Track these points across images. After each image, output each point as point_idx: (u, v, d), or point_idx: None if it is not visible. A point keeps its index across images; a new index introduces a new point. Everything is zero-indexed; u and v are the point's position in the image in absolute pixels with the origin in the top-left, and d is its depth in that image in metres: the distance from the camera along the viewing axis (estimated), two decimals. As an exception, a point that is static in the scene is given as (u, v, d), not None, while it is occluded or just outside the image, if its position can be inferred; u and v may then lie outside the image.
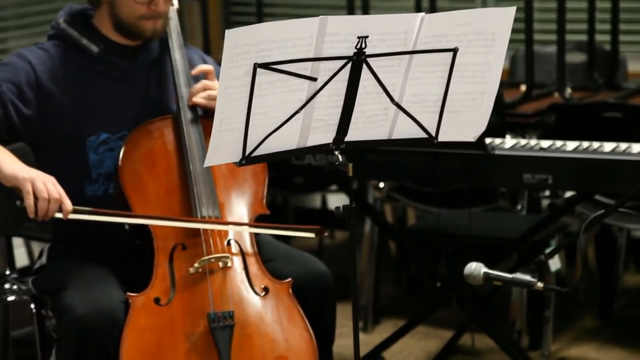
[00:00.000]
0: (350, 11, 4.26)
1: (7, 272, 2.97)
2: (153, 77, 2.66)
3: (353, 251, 2.23)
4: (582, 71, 4.30)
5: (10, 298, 2.88)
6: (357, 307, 2.15)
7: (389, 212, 4.20)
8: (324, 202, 4.96)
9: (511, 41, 4.76)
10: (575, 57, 4.44)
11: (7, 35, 4.70)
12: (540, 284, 2.28)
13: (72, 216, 2.34)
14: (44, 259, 2.69)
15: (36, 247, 3.72)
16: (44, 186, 2.31)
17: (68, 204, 2.33)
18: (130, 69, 2.63)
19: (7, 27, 4.71)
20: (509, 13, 2.16)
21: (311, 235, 2.53)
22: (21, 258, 3.91)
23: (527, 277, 2.29)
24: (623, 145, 2.96)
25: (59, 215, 2.33)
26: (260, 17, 4.74)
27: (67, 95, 2.56)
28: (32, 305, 2.74)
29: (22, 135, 2.59)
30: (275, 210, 4.85)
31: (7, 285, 2.91)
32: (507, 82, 4.29)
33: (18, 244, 4.00)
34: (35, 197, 2.31)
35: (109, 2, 2.57)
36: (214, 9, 5.30)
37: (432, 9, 4.17)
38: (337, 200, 4.76)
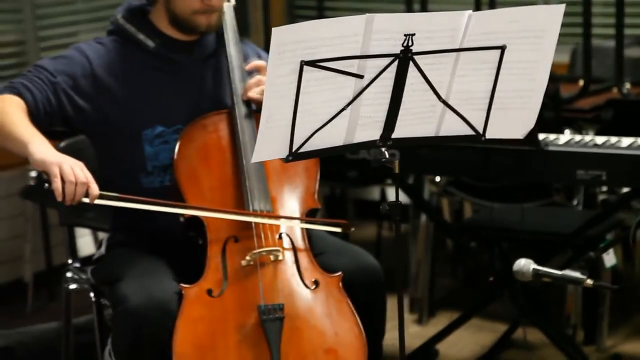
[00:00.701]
0: (409, 6, 4.22)
1: (70, 262, 3.01)
2: (208, 71, 2.67)
3: (400, 246, 2.22)
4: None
5: (72, 286, 2.92)
6: (402, 300, 2.13)
7: (446, 206, 4.17)
8: (383, 194, 4.94)
9: (571, 35, 4.69)
10: (635, 52, 4.35)
11: (78, 29, 4.77)
12: (590, 281, 2.23)
13: (98, 201, 2.35)
14: (102, 249, 2.72)
15: (103, 236, 3.78)
16: (71, 170, 2.32)
17: (95, 189, 2.34)
18: (186, 64, 2.64)
19: (77, 21, 4.78)
20: (558, 10, 2.11)
21: (338, 230, 2.52)
22: (88, 247, 3.98)
23: (576, 274, 2.24)
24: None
25: (85, 199, 2.34)
26: (321, 11, 4.73)
27: (123, 89, 2.58)
28: (92, 294, 2.78)
29: (78, 127, 2.62)
30: (334, 202, 4.88)
31: (69, 274, 2.94)
32: (567, 76, 4.22)
33: (85, 232, 4.08)
34: (63, 181, 2.32)
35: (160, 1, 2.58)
36: (277, 3, 5.30)
37: (492, 4, 4.11)
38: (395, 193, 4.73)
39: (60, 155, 2.38)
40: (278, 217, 2.53)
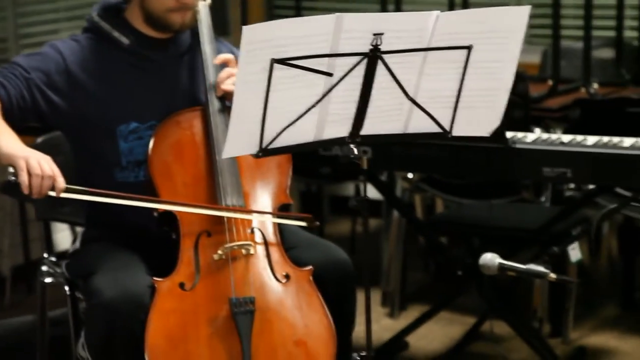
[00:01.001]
0: (383, 6, 4.22)
1: (45, 255, 2.99)
2: (183, 68, 2.66)
3: (368, 240, 2.22)
4: (611, 67, 4.23)
5: (47, 280, 2.91)
6: (369, 293, 2.13)
7: (418, 202, 4.17)
8: (358, 190, 4.94)
9: (542, 37, 4.70)
10: (605, 53, 4.37)
11: (58, 27, 4.75)
12: (552, 275, 2.24)
13: (64, 195, 2.34)
14: (77, 244, 2.71)
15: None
16: (37, 164, 2.31)
17: (61, 182, 2.33)
18: (160, 61, 2.63)
19: (58, 19, 4.75)
20: (523, 12, 2.12)
21: (303, 224, 2.53)
22: (67, 241, 3.95)
23: (539, 268, 2.26)
24: (630, 140, 2.89)
25: (52, 193, 2.33)
26: (299, 11, 4.72)
27: (98, 85, 2.57)
28: (66, 288, 2.76)
29: (52, 123, 2.60)
30: (309, 199, 4.88)
31: (44, 268, 2.93)
32: (537, 76, 4.23)
33: (63, 227, 4.05)
34: (30, 175, 2.31)
35: None
36: (256, 3, 5.29)
37: (465, 4, 4.12)
38: (369, 189, 4.73)
39: (27, 149, 2.36)
40: (239, 211, 2.51)
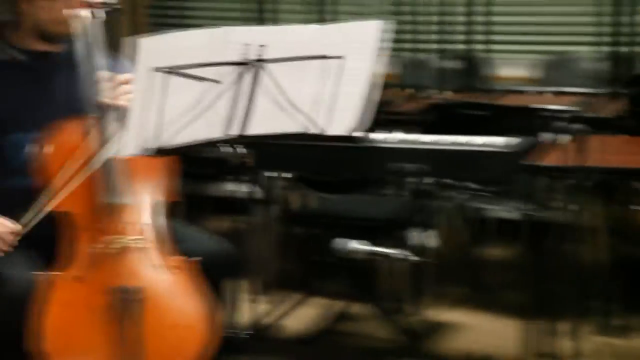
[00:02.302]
0: (261, 24, 4.26)
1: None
2: (71, 80, 2.61)
3: (247, 234, 2.25)
4: (461, 76, 4.39)
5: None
6: (241, 283, 2.15)
7: (292, 198, 4.22)
8: (239, 189, 4.93)
9: (403, 50, 4.82)
10: (456, 64, 4.53)
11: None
12: (401, 256, 2.32)
13: None
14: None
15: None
16: None
17: None
18: (48, 74, 2.59)
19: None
20: (377, 26, 2.22)
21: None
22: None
23: (391, 251, 2.33)
24: (478, 139, 2.96)
25: None
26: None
27: None
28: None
29: None
30: (192, 199, 4.84)
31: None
32: (398, 84, 4.35)
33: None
34: None
35: (24, 13, 2.55)
36: (143, 22, 5.24)
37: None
38: (249, 187, 4.74)
39: None
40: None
